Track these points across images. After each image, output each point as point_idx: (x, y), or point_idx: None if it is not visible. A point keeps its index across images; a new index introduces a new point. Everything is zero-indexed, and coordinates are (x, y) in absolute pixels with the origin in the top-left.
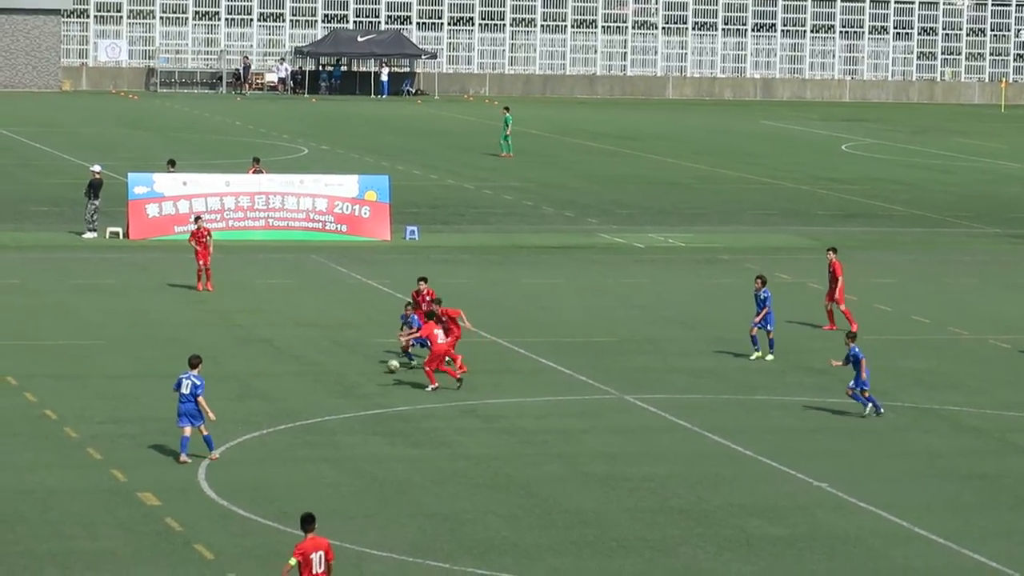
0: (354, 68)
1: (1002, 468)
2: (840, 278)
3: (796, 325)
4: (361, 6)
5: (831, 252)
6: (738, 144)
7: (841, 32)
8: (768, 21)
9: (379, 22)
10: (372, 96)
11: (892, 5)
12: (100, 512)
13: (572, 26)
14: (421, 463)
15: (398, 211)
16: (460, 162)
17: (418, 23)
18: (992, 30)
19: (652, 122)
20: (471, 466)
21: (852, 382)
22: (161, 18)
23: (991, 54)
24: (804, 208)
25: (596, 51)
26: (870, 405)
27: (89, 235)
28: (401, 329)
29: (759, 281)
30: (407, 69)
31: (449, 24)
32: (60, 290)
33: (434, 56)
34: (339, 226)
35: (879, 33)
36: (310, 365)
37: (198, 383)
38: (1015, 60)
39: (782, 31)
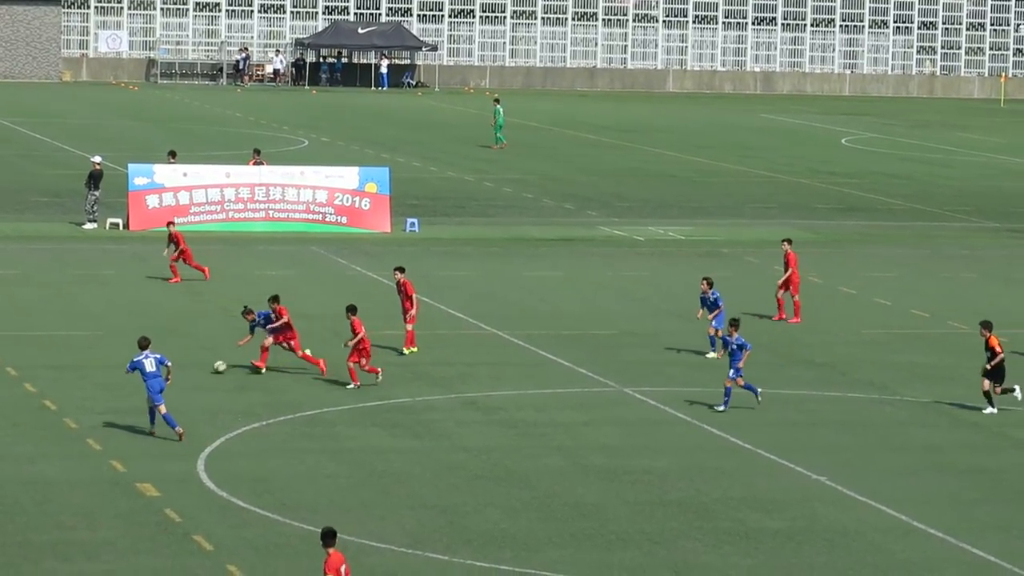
0: (355, 60)
1: (1001, 462)
2: (792, 269)
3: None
4: None
5: (786, 243)
6: (738, 138)
7: (841, 26)
8: (768, 15)
9: (380, 14)
10: (372, 88)
11: None
12: (99, 503)
13: (573, 19)
14: (420, 455)
15: (398, 203)
16: (460, 154)
17: (419, 15)
18: (992, 24)
19: (652, 115)
20: (470, 458)
21: (732, 372)
22: (162, 9)
23: (991, 48)
24: (804, 202)
25: (597, 44)
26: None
27: (89, 226)
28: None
29: (705, 283)
30: (408, 61)
31: (450, 16)
32: (60, 281)
33: (435, 48)
34: (339, 218)
35: (879, 27)
36: None
37: (158, 356)
38: (1015, 55)
39: (782, 25)
